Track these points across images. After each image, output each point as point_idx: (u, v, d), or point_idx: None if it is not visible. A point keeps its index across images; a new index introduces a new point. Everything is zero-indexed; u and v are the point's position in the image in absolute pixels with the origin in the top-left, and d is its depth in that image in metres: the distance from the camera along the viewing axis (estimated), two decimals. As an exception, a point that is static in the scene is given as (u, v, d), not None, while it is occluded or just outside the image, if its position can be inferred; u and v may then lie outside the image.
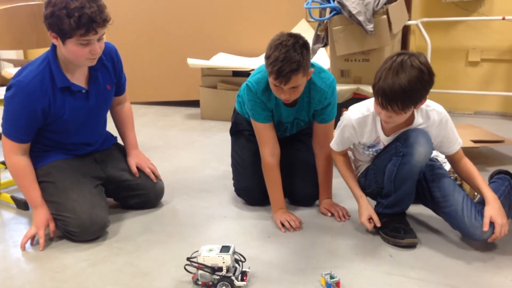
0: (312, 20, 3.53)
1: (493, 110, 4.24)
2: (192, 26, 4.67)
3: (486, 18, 3.99)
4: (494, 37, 4.06)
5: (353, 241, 2.04)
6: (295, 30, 4.33)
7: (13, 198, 2.48)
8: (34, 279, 1.83)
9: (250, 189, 2.37)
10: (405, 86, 1.70)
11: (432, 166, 2.00)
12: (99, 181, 2.24)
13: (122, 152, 2.40)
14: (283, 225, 2.14)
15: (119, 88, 2.32)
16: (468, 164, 1.99)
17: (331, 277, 1.69)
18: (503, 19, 3.81)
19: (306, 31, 4.24)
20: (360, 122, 1.97)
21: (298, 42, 1.95)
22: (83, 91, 2.09)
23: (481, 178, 1.94)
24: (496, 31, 4.03)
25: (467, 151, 3.01)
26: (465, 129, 3.29)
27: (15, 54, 5.76)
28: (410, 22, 3.75)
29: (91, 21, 1.84)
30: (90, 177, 2.20)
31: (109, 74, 2.18)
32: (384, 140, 1.97)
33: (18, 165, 2.06)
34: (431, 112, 1.91)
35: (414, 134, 1.88)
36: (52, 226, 2.09)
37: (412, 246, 1.95)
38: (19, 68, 2.08)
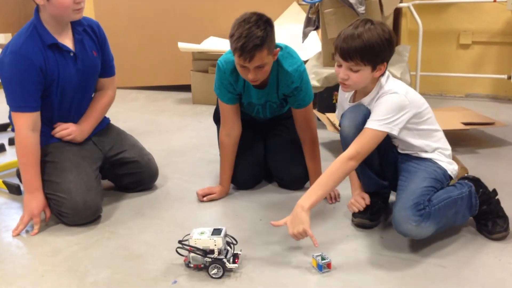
0: (303, 2, 3.52)
1: (483, 92, 4.26)
2: (182, 10, 4.63)
3: (478, 0, 3.98)
4: (485, 20, 4.06)
5: (344, 223, 2.05)
6: (286, 13, 4.34)
7: (5, 182, 2.47)
8: (26, 264, 1.83)
9: (236, 174, 2.37)
10: (362, 35, 1.73)
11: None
12: (97, 163, 2.24)
13: (118, 132, 2.41)
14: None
15: (106, 68, 2.31)
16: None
17: (322, 258, 1.70)
18: (495, 1, 3.82)
19: (297, 14, 4.23)
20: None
21: (261, 19, 1.96)
22: (71, 53, 2.11)
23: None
24: (487, 13, 4.03)
25: (458, 133, 3.05)
26: (456, 111, 3.30)
27: (3, 38, 5.70)
28: (401, 5, 3.74)
29: None
30: (89, 160, 2.20)
31: (93, 41, 2.20)
32: None
33: (27, 141, 2.03)
34: (386, 84, 1.83)
35: (348, 109, 1.91)
36: (47, 212, 2.08)
37: (361, 225, 1.99)
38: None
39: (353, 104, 1.91)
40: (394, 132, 1.77)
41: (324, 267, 1.69)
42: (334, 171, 1.77)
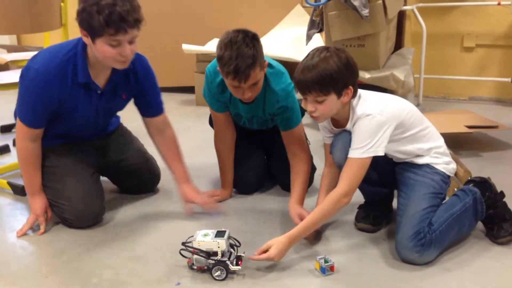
0: (307, 5, 3.52)
1: (487, 95, 4.25)
2: (187, 11, 4.64)
3: (482, 3, 3.98)
4: (489, 22, 4.06)
5: (347, 227, 2.05)
6: (290, 16, 4.34)
7: (9, 183, 2.48)
8: (30, 265, 1.84)
9: (237, 180, 2.38)
10: (318, 65, 1.69)
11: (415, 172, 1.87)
12: (96, 167, 2.23)
13: (124, 135, 2.38)
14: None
15: (152, 107, 2.19)
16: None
17: (325, 261, 1.70)
18: (499, 4, 3.81)
19: (301, 16, 4.23)
20: None
21: (247, 36, 1.89)
22: (99, 91, 2.00)
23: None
24: (492, 16, 4.02)
25: (461, 136, 3.05)
26: (460, 114, 3.30)
27: (8, 39, 5.71)
28: (405, 7, 3.74)
29: (122, 20, 1.73)
30: (88, 163, 2.18)
31: (128, 85, 2.07)
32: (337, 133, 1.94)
33: (27, 151, 2.02)
34: (358, 108, 1.78)
35: (336, 138, 1.89)
36: (48, 212, 2.09)
37: (364, 230, 1.99)
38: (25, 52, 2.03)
39: (338, 131, 1.88)
40: (380, 153, 1.74)
41: (327, 269, 1.69)
42: (329, 211, 1.77)
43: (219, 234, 1.70)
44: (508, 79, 4.00)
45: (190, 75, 4.48)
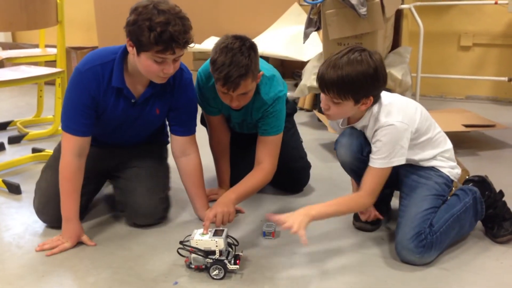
0: (305, 3, 3.51)
1: (484, 94, 4.26)
2: (184, 9, 4.62)
3: (479, 2, 3.99)
4: (486, 22, 4.07)
5: (345, 226, 2.04)
6: (287, 14, 4.33)
7: (4, 182, 2.46)
8: (26, 263, 1.82)
9: (234, 179, 2.35)
10: (343, 67, 1.64)
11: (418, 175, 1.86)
12: (102, 177, 2.16)
13: (151, 152, 2.21)
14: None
15: (180, 124, 2.06)
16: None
17: (268, 226, 1.92)
18: (496, 3, 3.82)
19: (298, 14, 4.22)
20: None
21: (244, 44, 1.85)
22: (132, 100, 1.94)
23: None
24: (489, 15, 4.03)
25: (458, 135, 3.05)
26: (457, 113, 3.30)
27: (3, 36, 5.69)
28: (403, 6, 3.73)
29: (172, 39, 1.71)
30: (98, 170, 2.09)
31: (164, 100, 2.00)
32: None
33: (70, 167, 1.88)
34: (381, 115, 1.74)
35: (341, 135, 1.88)
36: (84, 240, 1.93)
37: (362, 229, 1.98)
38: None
39: (346, 127, 1.87)
40: (402, 162, 1.74)
41: (267, 233, 1.91)
42: (349, 201, 1.79)
43: (217, 233, 1.69)
44: (505, 78, 4.00)
45: (186, 73, 4.46)
